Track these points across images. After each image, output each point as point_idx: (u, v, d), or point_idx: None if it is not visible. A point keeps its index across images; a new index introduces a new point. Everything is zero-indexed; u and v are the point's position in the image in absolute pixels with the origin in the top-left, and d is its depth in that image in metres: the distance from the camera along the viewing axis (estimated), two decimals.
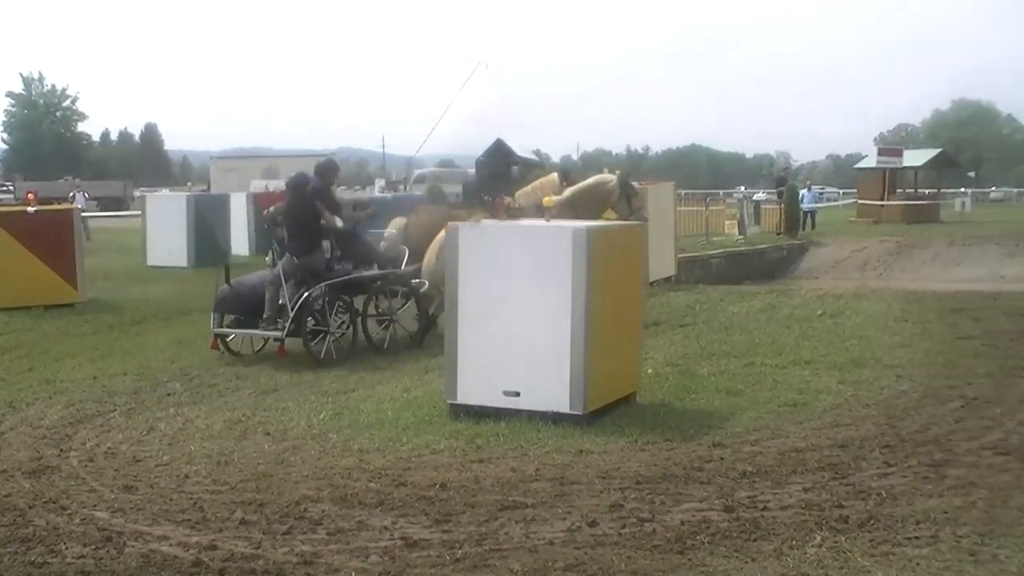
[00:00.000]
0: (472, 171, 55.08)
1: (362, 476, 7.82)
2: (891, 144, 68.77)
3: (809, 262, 31.56)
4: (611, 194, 15.93)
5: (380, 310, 14.24)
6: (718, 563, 5.98)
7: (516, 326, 9.37)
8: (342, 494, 7.33)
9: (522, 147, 52.00)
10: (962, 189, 63.93)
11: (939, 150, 59.05)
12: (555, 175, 16.42)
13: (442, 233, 12.34)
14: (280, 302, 12.97)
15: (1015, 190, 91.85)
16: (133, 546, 6.35)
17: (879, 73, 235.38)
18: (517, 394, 9.38)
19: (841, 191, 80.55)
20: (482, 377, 9.52)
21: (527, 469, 7.95)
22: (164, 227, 26.46)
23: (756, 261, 29.99)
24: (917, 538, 6.33)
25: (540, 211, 14.28)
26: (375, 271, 14.02)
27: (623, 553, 6.14)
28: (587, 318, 9.10)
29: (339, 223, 13.45)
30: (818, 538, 6.33)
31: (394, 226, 15.55)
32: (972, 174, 76.85)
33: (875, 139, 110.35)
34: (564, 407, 9.22)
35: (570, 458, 8.27)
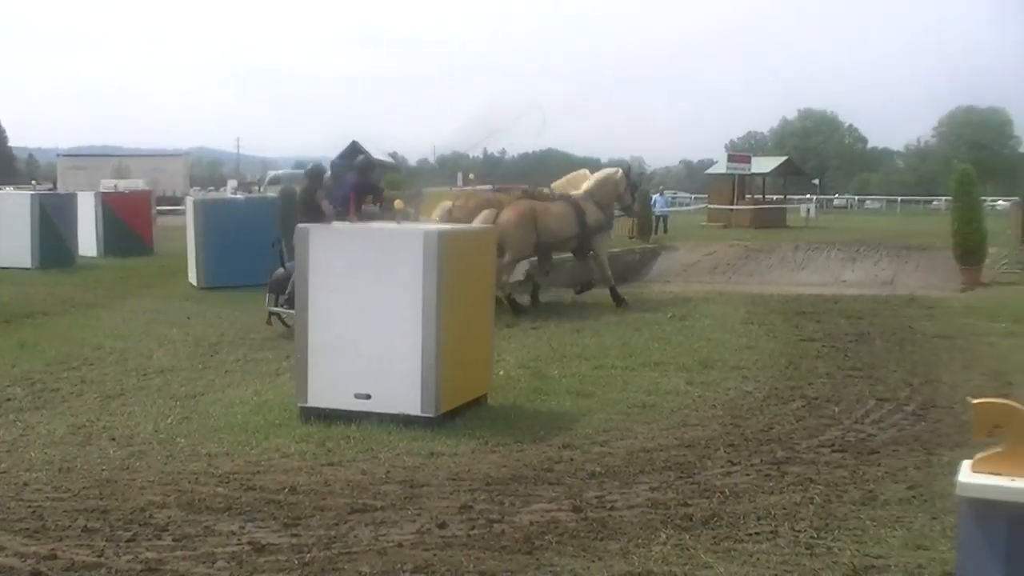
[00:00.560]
0: (327, 173, 54.91)
1: (210, 481, 7.69)
2: (740, 151, 70.22)
3: (661, 266, 31.95)
4: (619, 185, 18.96)
5: None
6: (565, 562, 6.05)
7: (367, 328, 9.34)
8: (189, 499, 7.20)
9: (378, 149, 51.98)
10: (807, 196, 65.55)
11: (785, 158, 60.65)
12: (585, 171, 19.69)
13: (483, 213, 16.91)
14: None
15: (856, 197, 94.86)
16: None
17: (731, 81, 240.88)
18: (368, 397, 9.36)
19: (693, 196, 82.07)
20: (333, 380, 9.46)
21: (377, 472, 7.94)
22: (7, 226, 25.57)
23: (609, 265, 30.31)
24: (758, 534, 6.52)
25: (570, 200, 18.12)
26: None
27: (472, 554, 6.17)
28: (438, 320, 9.13)
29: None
30: (663, 536, 6.46)
31: (439, 210, 17.24)
32: (816, 181, 78.78)
33: (726, 146, 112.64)
34: (415, 409, 9.23)
35: (421, 460, 8.28)
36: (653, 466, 8.09)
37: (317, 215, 14.61)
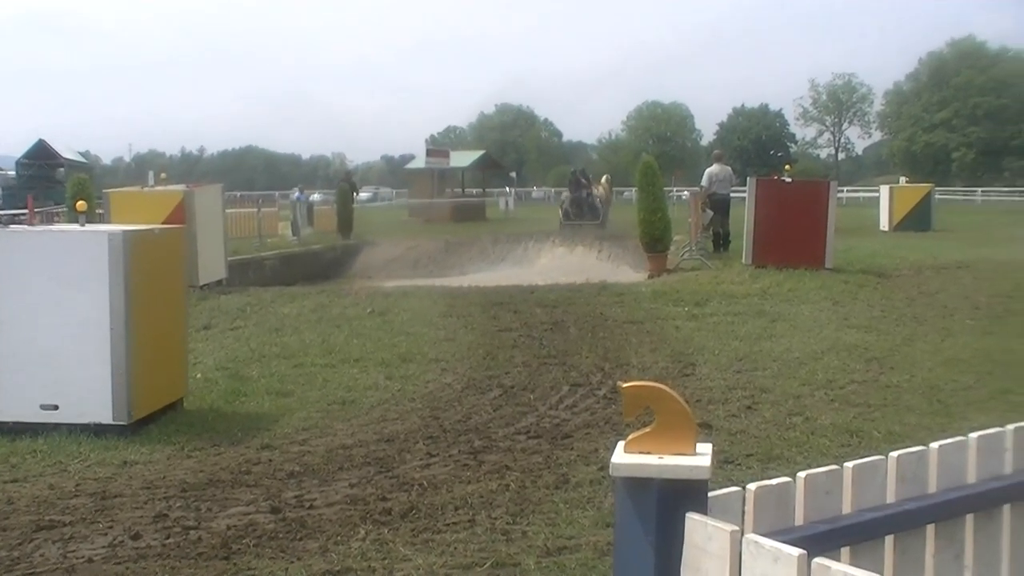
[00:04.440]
0: (12, 172, 52.08)
1: None
2: (440, 146, 71.21)
3: (363, 261, 32.13)
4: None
5: None
6: (263, 565, 5.99)
7: (52, 335, 8.94)
8: None
9: (68, 147, 49.71)
10: (506, 189, 67.09)
11: (483, 152, 62.06)
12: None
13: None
14: None
15: (553, 189, 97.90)
16: None
17: (430, 76, 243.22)
18: (56, 407, 8.96)
19: (395, 191, 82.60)
20: (16, 391, 9.01)
21: (66, 485, 7.61)
22: None
23: (310, 262, 30.15)
24: (456, 523, 6.63)
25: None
26: None
27: (167, 564, 6.02)
28: (127, 324, 8.84)
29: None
30: (362, 532, 6.48)
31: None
32: (514, 175, 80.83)
33: (426, 140, 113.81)
34: (107, 418, 8.91)
35: (113, 471, 8.01)
36: (352, 462, 8.09)
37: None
